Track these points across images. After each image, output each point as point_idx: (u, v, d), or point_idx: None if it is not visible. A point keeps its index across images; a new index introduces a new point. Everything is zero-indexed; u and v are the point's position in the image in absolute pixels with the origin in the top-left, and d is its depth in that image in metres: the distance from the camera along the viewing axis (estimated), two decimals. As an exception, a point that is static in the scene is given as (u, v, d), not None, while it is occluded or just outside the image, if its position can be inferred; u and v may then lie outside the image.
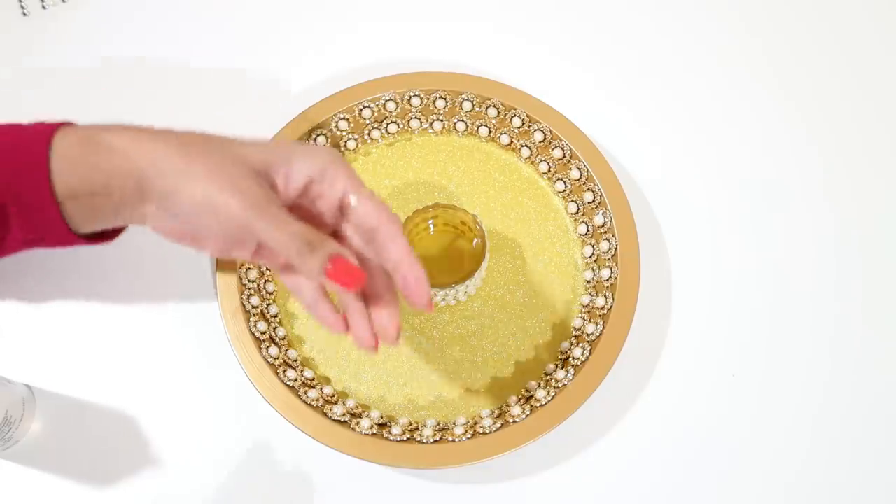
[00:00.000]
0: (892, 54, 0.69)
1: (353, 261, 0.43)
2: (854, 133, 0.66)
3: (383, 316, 0.46)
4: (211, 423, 0.57)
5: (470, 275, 0.55)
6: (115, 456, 0.56)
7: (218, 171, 0.43)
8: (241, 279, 0.57)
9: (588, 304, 0.58)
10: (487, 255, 0.56)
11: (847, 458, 0.56)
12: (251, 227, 0.43)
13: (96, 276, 0.60)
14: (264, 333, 0.56)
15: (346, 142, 0.62)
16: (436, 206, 0.57)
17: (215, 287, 0.57)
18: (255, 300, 0.57)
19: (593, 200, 0.59)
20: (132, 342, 0.59)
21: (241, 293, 0.56)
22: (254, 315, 0.56)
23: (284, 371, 0.55)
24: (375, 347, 0.46)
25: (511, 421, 0.53)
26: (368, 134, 0.63)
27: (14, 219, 0.46)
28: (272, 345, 0.56)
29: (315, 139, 0.61)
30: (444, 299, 0.57)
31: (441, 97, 0.62)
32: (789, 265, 0.61)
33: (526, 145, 0.62)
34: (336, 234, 0.47)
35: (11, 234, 0.47)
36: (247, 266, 0.58)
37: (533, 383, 0.56)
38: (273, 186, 0.45)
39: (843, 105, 0.67)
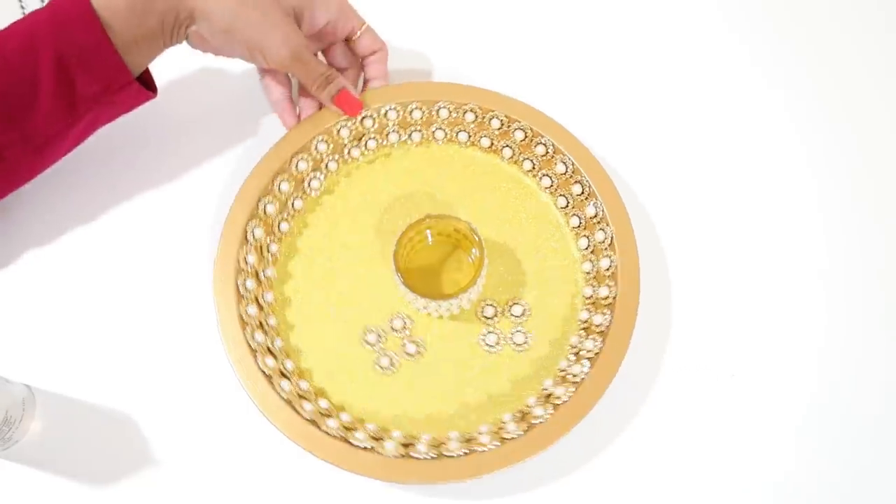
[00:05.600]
0: (892, 53, 0.68)
1: (355, 93, 0.60)
2: (854, 139, 0.65)
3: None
4: (210, 425, 0.57)
5: (470, 285, 0.55)
6: (115, 456, 0.56)
7: (266, 18, 0.53)
8: (238, 289, 0.56)
9: (586, 321, 0.57)
10: (486, 264, 0.55)
11: (849, 458, 0.56)
12: (289, 70, 0.56)
13: (97, 277, 0.61)
14: (261, 345, 0.56)
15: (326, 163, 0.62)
16: (427, 217, 0.56)
17: (214, 301, 0.57)
18: (252, 310, 0.57)
19: (595, 215, 0.58)
20: (131, 342, 0.59)
21: (239, 303, 0.56)
22: (250, 325, 0.56)
23: (279, 381, 0.55)
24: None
25: (509, 437, 0.52)
26: (348, 153, 0.62)
27: (77, 72, 0.50)
28: (268, 355, 0.56)
29: (297, 164, 0.61)
30: (448, 310, 0.57)
31: (417, 108, 0.62)
32: (789, 265, 0.61)
33: (507, 146, 0.62)
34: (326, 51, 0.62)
35: (79, 93, 0.51)
36: (245, 275, 0.57)
37: (532, 399, 0.55)
38: (299, 23, 0.56)
39: (845, 109, 0.66)
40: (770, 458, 0.56)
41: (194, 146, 0.64)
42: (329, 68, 0.58)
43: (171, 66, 0.63)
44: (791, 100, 0.66)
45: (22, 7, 0.69)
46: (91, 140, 0.58)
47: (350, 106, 0.59)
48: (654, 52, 0.68)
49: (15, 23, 0.51)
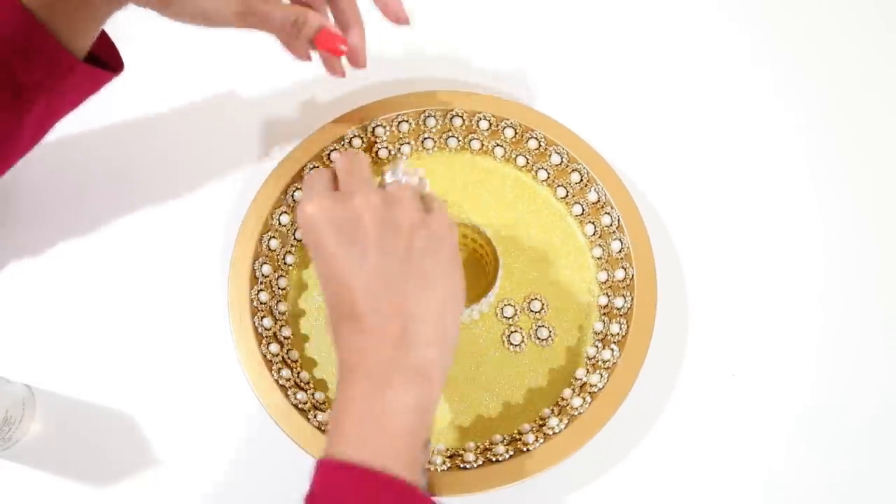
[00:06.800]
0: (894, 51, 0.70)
1: (335, 29, 0.51)
2: (857, 138, 0.66)
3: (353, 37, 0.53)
4: (211, 425, 0.56)
5: (483, 293, 0.55)
6: (115, 456, 0.55)
7: None
8: (252, 301, 0.56)
9: (601, 332, 0.58)
10: (501, 273, 0.56)
11: (849, 457, 0.57)
12: (246, 28, 0.49)
13: (98, 278, 0.60)
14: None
15: None
16: None
17: (227, 290, 0.57)
18: (266, 321, 0.56)
19: (610, 224, 0.59)
20: (131, 343, 0.58)
21: (254, 312, 0.56)
22: (264, 336, 0.56)
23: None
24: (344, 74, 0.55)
25: (525, 449, 0.53)
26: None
27: (13, 60, 0.46)
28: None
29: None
30: (469, 316, 0.57)
31: (431, 115, 0.62)
32: (791, 267, 0.62)
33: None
34: None
35: (20, 81, 0.47)
36: (258, 288, 0.57)
37: (546, 410, 0.56)
38: None
39: (850, 106, 0.68)
40: (771, 457, 0.57)
41: (213, 124, 0.65)
42: (294, 9, 0.49)
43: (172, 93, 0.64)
44: (800, 114, 0.68)
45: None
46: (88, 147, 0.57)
47: (333, 44, 0.51)
48: (661, 58, 0.70)
49: None
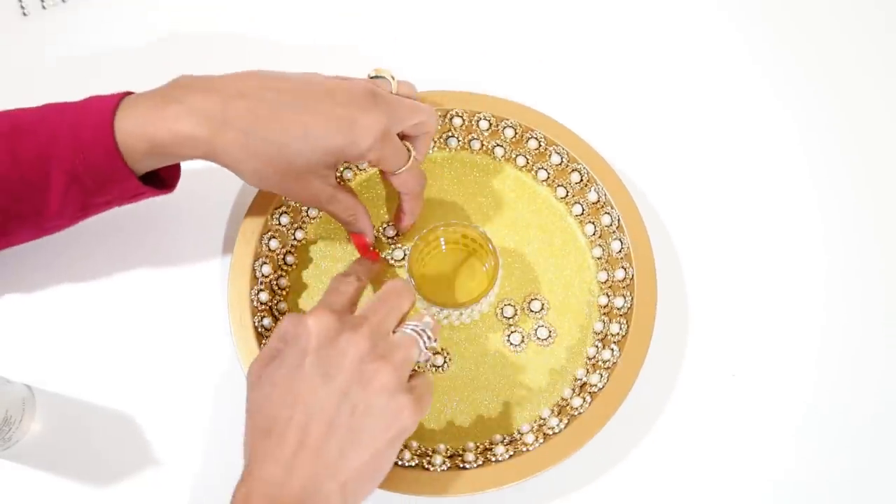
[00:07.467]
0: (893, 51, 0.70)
1: (371, 242, 0.57)
2: (858, 137, 0.67)
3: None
4: (211, 425, 0.56)
5: (483, 294, 0.55)
6: (115, 456, 0.55)
7: (287, 178, 0.51)
8: (252, 301, 0.56)
9: (601, 332, 0.58)
10: (500, 273, 0.56)
11: (849, 457, 0.57)
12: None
13: (98, 277, 0.60)
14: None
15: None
16: (435, 228, 0.56)
17: (227, 290, 0.57)
18: (266, 321, 0.56)
19: (610, 224, 0.59)
20: (131, 342, 0.58)
21: (254, 312, 0.56)
22: (264, 336, 0.56)
23: None
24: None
25: (524, 449, 0.53)
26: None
27: (93, 190, 0.50)
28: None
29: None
30: (469, 317, 0.57)
31: None
32: (790, 266, 0.62)
33: (521, 154, 0.62)
34: None
35: (92, 202, 0.51)
36: (258, 288, 0.57)
37: (546, 410, 0.56)
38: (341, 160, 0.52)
39: (850, 106, 0.68)
40: (771, 457, 0.57)
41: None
42: (353, 212, 0.55)
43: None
44: (800, 113, 0.68)
45: (22, 7, 0.69)
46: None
47: (364, 252, 0.58)
48: (661, 58, 0.70)
49: (32, 124, 0.49)
